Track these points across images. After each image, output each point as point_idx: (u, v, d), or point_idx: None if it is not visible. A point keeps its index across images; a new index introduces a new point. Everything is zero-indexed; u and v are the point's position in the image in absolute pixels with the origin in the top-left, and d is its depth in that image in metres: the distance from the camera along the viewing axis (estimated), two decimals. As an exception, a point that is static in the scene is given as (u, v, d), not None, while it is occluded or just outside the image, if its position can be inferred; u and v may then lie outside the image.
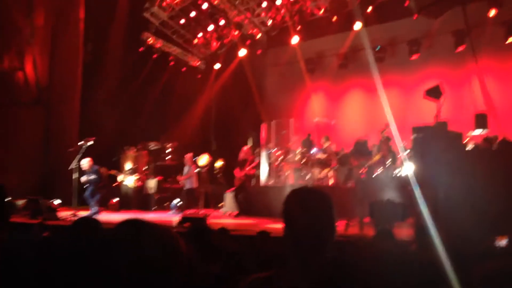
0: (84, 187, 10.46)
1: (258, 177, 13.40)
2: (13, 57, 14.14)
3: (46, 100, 14.77)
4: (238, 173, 11.29)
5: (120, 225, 1.19)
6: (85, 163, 10.46)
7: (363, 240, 5.83)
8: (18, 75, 14.26)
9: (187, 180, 12.39)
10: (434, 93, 6.92)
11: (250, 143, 14.63)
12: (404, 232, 6.50)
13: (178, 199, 12.36)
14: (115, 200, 12.63)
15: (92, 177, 10.41)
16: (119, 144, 14.35)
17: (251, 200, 11.25)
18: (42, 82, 14.60)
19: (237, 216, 11.11)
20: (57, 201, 9.75)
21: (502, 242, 4.81)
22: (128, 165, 13.70)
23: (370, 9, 13.70)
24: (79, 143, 10.29)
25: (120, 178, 13.44)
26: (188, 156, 12.73)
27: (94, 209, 10.51)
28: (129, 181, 13.36)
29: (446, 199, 5.64)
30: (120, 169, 14.20)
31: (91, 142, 10.10)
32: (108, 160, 14.18)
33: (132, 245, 1.10)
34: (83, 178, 10.33)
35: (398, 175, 12.60)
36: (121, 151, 14.45)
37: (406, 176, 12.04)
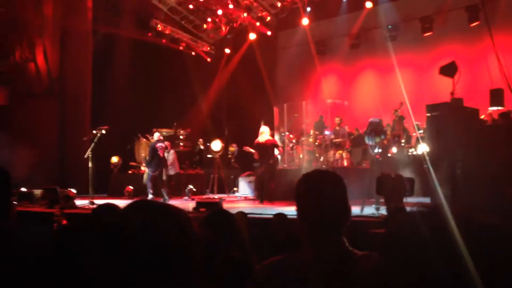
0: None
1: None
2: (24, 49, 14.20)
3: (59, 91, 14.85)
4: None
5: (130, 208, 1.14)
6: (156, 136, 11.34)
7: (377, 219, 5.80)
8: (30, 66, 14.34)
9: (171, 166, 12.70)
10: (449, 70, 6.80)
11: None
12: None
13: (191, 186, 12.45)
14: (131, 187, 12.71)
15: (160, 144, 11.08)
16: (132, 132, 14.40)
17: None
18: (53, 73, 14.67)
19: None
20: (73, 190, 9.82)
21: None
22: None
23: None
24: (92, 132, 10.32)
25: (142, 167, 13.54)
26: (168, 143, 13.01)
27: (166, 196, 10.82)
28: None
29: (464, 176, 5.57)
30: (134, 157, 14.30)
31: (104, 131, 10.12)
32: (122, 148, 14.28)
33: (145, 227, 1.06)
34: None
35: (413, 153, 12.53)
36: (135, 139, 14.51)
37: (422, 155, 11.97)
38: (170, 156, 12.78)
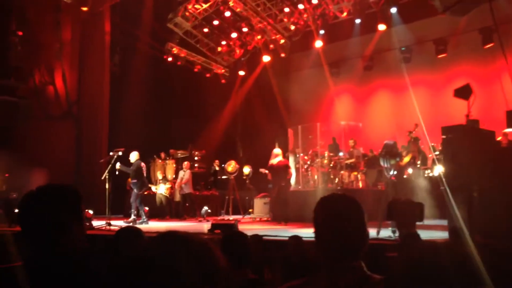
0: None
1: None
2: (43, 72, 14.54)
3: (76, 113, 15.12)
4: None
5: (157, 239, 1.12)
6: (133, 156, 11.14)
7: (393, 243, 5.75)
8: (49, 89, 14.65)
9: (186, 185, 12.80)
10: (464, 92, 6.79)
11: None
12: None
13: (207, 207, 12.47)
14: (147, 208, 12.78)
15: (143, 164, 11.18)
16: (148, 153, 14.55)
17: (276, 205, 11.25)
18: (72, 96, 14.97)
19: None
20: (90, 211, 9.91)
21: None
22: (159, 175, 13.94)
23: (394, 9, 13.57)
24: (109, 154, 10.46)
25: (153, 188, 13.63)
26: (187, 162, 13.37)
27: (144, 217, 11.04)
28: (162, 189, 13.56)
29: (481, 199, 5.52)
30: (150, 179, 14.41)
31: (120, 153, 10.25)
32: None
33: (170, 264, 1.03)
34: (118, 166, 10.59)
35: (429, 175, 12.43)
36: (150, 161, 14.63)
37: (438, 177, 11.85)
38: (186, 175, 12.88)
